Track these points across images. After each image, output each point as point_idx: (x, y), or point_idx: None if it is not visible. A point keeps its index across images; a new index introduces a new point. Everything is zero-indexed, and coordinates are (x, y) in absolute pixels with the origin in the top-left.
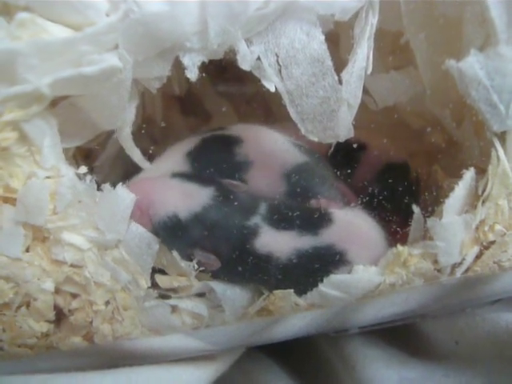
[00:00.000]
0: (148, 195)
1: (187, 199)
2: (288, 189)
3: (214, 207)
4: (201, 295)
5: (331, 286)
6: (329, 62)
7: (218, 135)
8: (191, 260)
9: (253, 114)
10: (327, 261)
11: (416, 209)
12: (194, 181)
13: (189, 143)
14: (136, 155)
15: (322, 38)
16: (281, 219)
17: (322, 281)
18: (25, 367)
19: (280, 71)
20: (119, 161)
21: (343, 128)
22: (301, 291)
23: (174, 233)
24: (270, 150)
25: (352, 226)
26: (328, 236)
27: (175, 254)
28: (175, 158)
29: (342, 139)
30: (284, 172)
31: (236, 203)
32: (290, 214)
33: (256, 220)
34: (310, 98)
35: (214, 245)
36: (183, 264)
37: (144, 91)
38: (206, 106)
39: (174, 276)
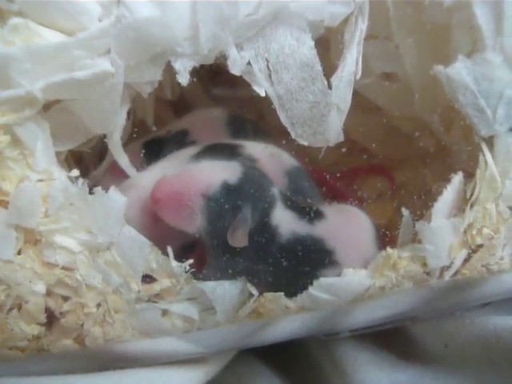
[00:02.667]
0: (196, 178)
1: (229, 169)
2: (289, 188)
3: (250, 174)
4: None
5: (321, 289)
6: (318, 67)
7: (219, 143)
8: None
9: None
10: (318, 255)
11: (405, 212)
12: (218, 158)
13: (191, 149)
14: (123, 161)
15: (312, 43)
16: (286, 198)
17: (310, 281)
18: (16, 370)
19: (270, 76)
20: None
21: (333, 132)
22: (290, 287)
23: (226, 200)
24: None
25: (342, 225)
26: (320, 229)
27: (169, 250)
28: (179, 161)
29: (332, 143)
30: (284, 172)
31: (261, 172)
32: (293, 198)
33: (275, 190)
34: (300, 102)
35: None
36: (174, 264)
37: (136, 96)
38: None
39: (159, 281)
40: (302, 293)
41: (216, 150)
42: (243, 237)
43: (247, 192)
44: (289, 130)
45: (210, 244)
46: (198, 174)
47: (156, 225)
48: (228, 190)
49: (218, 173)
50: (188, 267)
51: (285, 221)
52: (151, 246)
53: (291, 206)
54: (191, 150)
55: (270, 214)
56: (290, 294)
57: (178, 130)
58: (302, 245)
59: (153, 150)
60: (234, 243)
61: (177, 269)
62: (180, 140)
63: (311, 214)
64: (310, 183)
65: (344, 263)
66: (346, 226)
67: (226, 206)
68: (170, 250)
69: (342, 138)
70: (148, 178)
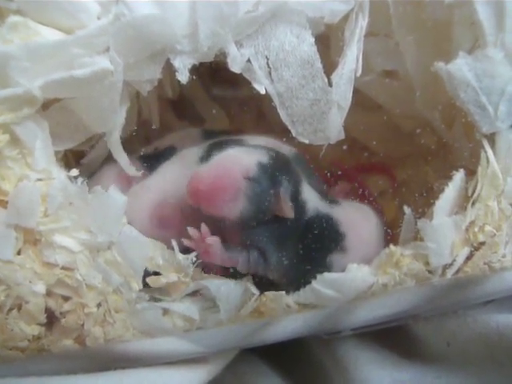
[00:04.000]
0: (234, 163)
1: (256, 151)
2: None
3: (274, 154)
4: (193, 294)
5: (325, 285)
6: (318, 64)
7: (222, 140)
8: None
9: (245, 117)
10: (332, 237)
11: (407, 210)
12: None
13: (195, 150)
14: (123, 160)
15: (312, 40)
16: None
17: (319, 265)
18: (16, 370)
19: (270, 73)
20: None
21: (334, 130)
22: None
23: (267, 178)
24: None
25: (355, 215)
26: (336, 213)
27: (174, 244)
28: (187, 163)
29: (332, 141)
30: None
31: (280, 153)
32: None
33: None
34: (300, 100)
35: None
36: (181, 257)
37: (140, 94)
38: (197, 109)
39: (166, 274)
40: (310, 282)
41: (222, 146)
42: (291, 207)
43: (280, 169)
44: (289, 127)
45: (246, 227)
46: (233, 159)
47: (167, 227)
48: (265, 168)
49: (250, 155)
50: (194, 259)
51: (310, 198)
52: (156, 242)
53: (313, 185)
54: (196, 151)
55: (300, 189)
56: (298, 283)
57: (165, 147)
58: (322, 223)
59: (144, 165)
60: (285, 214)
61: (184, 261)
62: (169, 155)
63: (329, 198)
64: (312, 171)
65: (351, 252)
66: (358, 216)
67: (268, 184)
68: (174, 243)
69: (342, 136)
70: (157, 181)
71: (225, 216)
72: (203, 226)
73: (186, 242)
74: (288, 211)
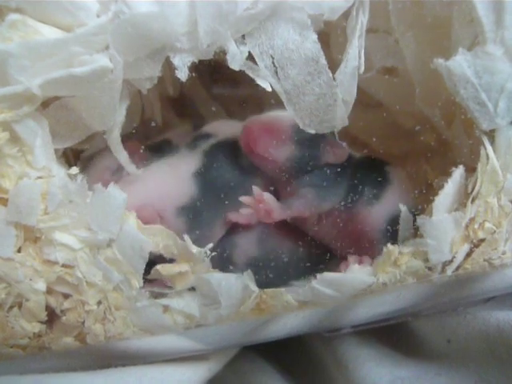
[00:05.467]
0: (282, 116)
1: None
2: None
3: None
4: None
5: (324, 284)
6: (323, 61)
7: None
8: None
9: (245, 114)
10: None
11: (403, 208)
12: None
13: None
14: (123, 158)
15: (315, 37)
16: None
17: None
18: (17, 368)
19: (276, 72)
20: None
21: (339, 119)
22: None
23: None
24: None
25: None
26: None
27: (186, 238)
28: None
29: (337, 129)
30: None
31: None
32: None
33: None
34: (307, 95)
35: None
36: (195, 250)
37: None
38: (198, 107)
39: (177, 263)
40: None
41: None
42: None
43: None
44: (297, 121)
45: (295, 174)
46: (282, 114)
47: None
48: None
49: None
50: (208, 252)
51: None
52: (168, 231)
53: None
54: (188, 161)
55: None
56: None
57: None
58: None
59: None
60: (339, 157)
61: (198, 254)
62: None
63: None
64: None
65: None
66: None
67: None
68: (187, 238)
69: (346, 123)
70: (142, 184)
71: (274, 159)
72: (255, 188)
73: (243, 212)
74: (342, 151)
